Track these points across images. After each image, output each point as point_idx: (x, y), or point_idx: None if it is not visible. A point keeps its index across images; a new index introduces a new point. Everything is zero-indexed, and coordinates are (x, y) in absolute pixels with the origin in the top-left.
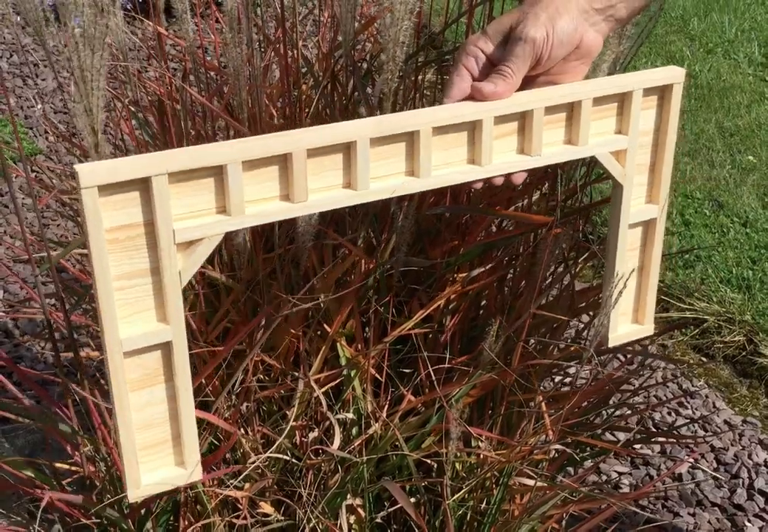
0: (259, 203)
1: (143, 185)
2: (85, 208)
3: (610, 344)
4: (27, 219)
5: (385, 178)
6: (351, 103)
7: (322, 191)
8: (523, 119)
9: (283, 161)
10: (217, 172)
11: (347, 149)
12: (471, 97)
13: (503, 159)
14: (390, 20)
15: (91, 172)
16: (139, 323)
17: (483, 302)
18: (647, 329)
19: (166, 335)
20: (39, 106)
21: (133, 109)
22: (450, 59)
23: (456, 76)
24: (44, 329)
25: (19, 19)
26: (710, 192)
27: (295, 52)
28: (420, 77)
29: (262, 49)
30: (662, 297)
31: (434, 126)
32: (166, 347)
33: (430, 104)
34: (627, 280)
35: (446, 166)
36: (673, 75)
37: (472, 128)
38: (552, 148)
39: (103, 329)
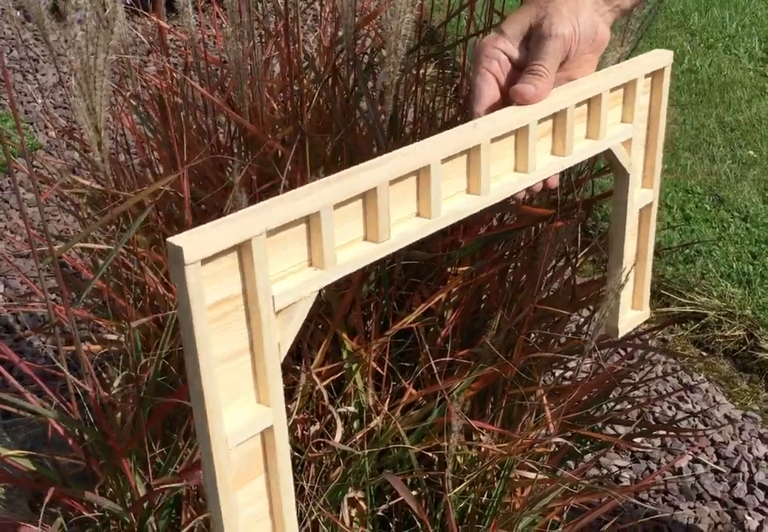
0: (347, 249)
1: (238, 249)
2: (189, 287)
3: (619, 334)
4: (27, 214)
5: (448, 200)
6: (352, 97)
7: (398, 225)
8: (554, 119)
9: (363, 197)
10: (306, 219)
11: (416, 174)
12: (501, 102)
13: (541, 163)
14: (392, 13)
15: (193, 245)
16: (238, 409)
17: (484, 296)
18: (645, 313)
19: (268, 419)
20: (39, 101)
21: (134, 102)
22: (451, 54)
23: (482, 82)
24: (45, 324)
25: (19, 14)
26: (711, 187)
27: (297, 45)
28: (421, 71)
29: (263, 43)
30: (663, 292)
31: (492, 137)
32: (266, 433)
33: (431, 99)
34: (631, 268)
35: (495, 179)
36: (665, 58)
37: (515, 135)
38: (578, 146)
39: (204, 424)
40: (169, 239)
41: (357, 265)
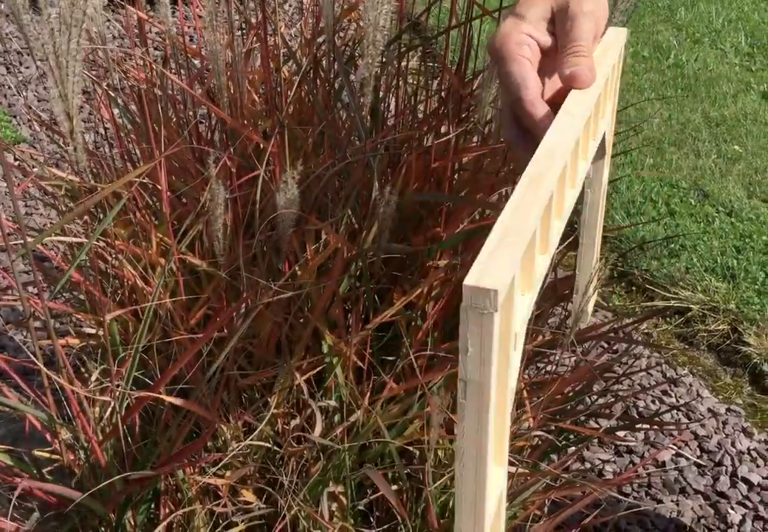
0: None
1: None
2: (494, 336)
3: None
4: (10, 208)
5: None
6: (333, 89)
7: None
8: None
9: None
10: None
11: None
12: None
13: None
14: (370, 4)
15: (499, 283)
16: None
17: None
18: (593, 296)
19: (503, 485)
20: (23, 94)
21: (113, 94)
22: (435, 47)
23: (522, 69)
24: (24, 318)
25: (3, 6)
26: (696, 181)
27: (276, 37)
28: (403, 64)
29: (244, 35)
30: (647, 286)
31: (585, 124)
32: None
33: (414, 91)
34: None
35: None
36: (624, 35)
37: None
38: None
39: (478, 497)
40: (469, 282)
41: (539, 284)
